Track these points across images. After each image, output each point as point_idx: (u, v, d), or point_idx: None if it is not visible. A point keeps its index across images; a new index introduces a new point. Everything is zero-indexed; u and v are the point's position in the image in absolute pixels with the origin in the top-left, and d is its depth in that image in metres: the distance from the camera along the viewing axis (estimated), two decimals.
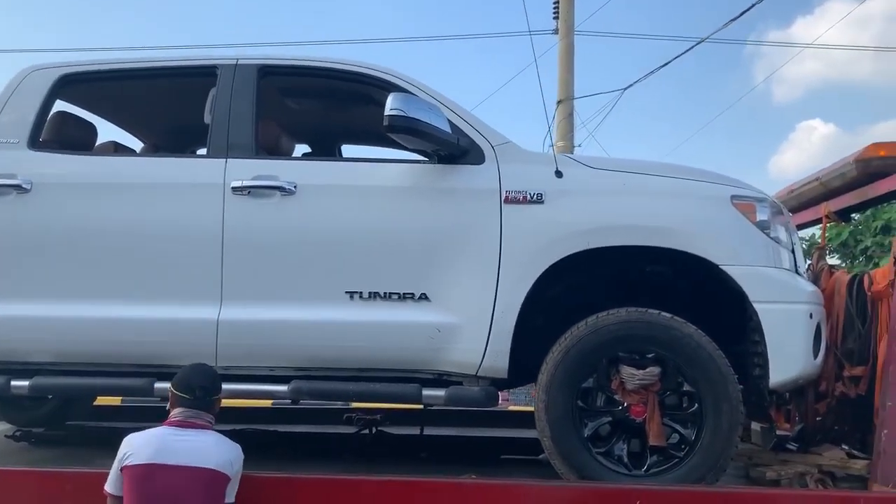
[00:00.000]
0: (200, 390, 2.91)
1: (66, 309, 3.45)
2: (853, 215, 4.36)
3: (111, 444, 3.86)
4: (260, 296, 3.39)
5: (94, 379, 3.49)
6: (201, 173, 3.52)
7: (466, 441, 4.67)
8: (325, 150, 4.71)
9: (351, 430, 4.60)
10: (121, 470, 2.76)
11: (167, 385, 3.42)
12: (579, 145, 13.90)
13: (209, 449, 2.78)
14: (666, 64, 12.82)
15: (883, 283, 3.57)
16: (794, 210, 4.79)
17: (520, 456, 4.27)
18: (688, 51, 12.81)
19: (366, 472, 3.40)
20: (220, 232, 3.40)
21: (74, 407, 5.17)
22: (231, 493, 2.80)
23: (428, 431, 4.68)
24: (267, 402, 6.40)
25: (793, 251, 3.49)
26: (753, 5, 10.80)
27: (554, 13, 13.55)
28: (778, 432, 4.42)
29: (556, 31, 13.45)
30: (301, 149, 4.77)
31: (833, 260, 13.54)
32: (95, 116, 4.41)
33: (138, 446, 2.77)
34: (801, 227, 4.81)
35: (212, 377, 3.01)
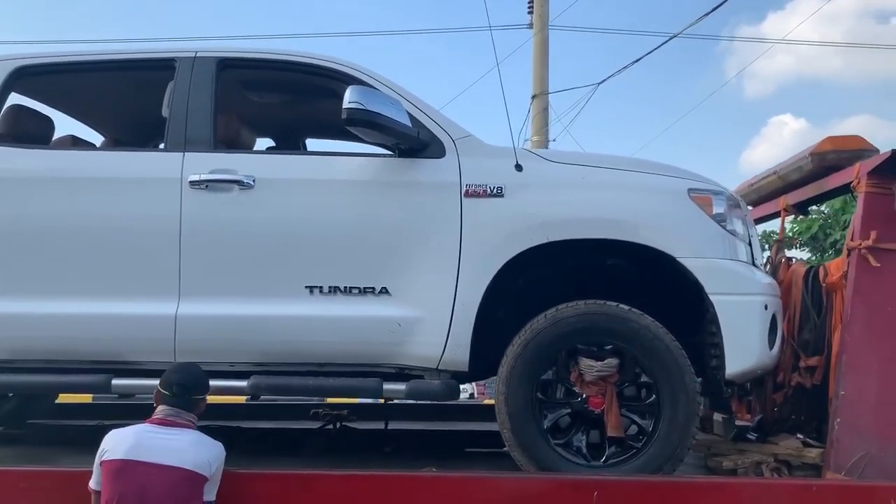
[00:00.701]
0: (178, 388, 2.90)
1: (21, 305, 3.40)
2: (811, 208, 4.41)
3: (74, 442, 3.85)
4: (219, 291, 3.37)
5: (51, 376, 3.45)
6: (158, 167, 3.48)
7: (431, 435, 4.68)
8: (290, 144, 4.68)
9: (316, 425, 4.60)
10: (100, 465, 2.76)
11: (125, 382, 3.43)
12: (554, 139, 14.01)
13: (185, 448, 2.76)
14: (639, 59, 12.95)
15: (836, 274, 3.63)
16: (754, 203, 4.86)
17: (485, 449, 4.29)
18: (661, 46, 12.94)
19: (328, 467, 3.39)
20: (177, 226, 3.37)
21: (36, 405, 5.09)
22: (210, 492, 2.79)
23: (394, 426, 4.69)
24: (241, 399, 6.40)
25: (750, 244, 3.54)
26: (725, 0, 10.93)
27: (529, 8, 13.62)
28: (738, 423, 4.48)
29: (530, 26, 13.51)
30: (266, 143, 4.75)
31: (804, 254, 13.72)
32: (54, 110, 4.36)
33: (116, 442, 2.76)
34: (761, 220, 4.87)
35: (194, 376, 3.00)
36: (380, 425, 4.57)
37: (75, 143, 4.16)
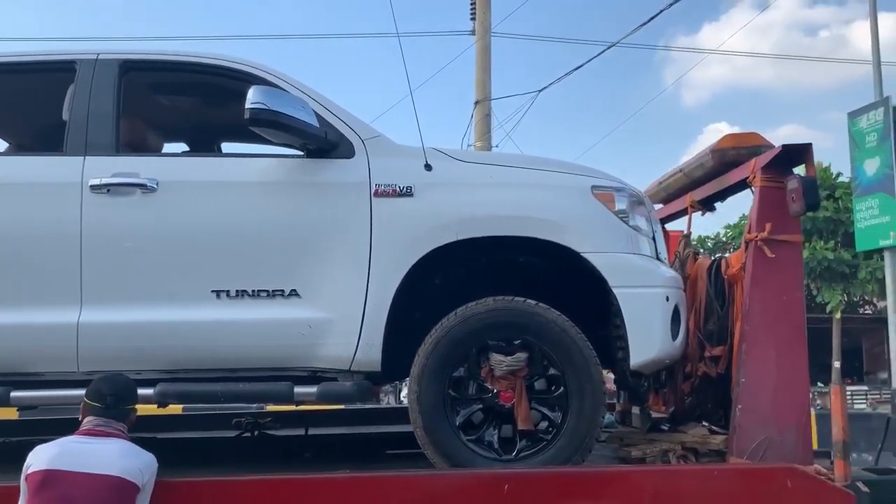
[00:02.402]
0: (112, 398, 2.83)
1: None
2: (716, 204, 4.57)
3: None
4: (122, 297, 3.29)
5: None
6: (58, 172, 3.38)
7: (352, 439, 4.67)
8: (204, 148, 4.59)
9: (233, 433, 4.53)
10: (25, 480, 2.66)
11: (25, 394, 3.32)
12: (497, 145, 14.16)
13: (113, 456, 2.69)
14: (579, 67, 13.29)
15: (736, 266, 3.77)
16: (664, 201, 5.00)
17: (405, 451, 4.30)
18: (600, 54, 13.33)
19: (245, 473, 3.34)
20: (78, 232, 3.28)
21: None
22: (143, 502, 2.72)
23: (318, 432, 4.66)
24: (178, 409, 6.21)
25: (654, 239, 3.65)
26: (662, 11, 11.29)
27: (471, 14, 13.75)
28: (654, 415, 4.61)
29: (473, 32, 13.64)
30: (182, 149, 4.66)
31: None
32: None
33: (40, 455, 2.68)
34: (671, 217, 5.01)
35: (125, 386, 2.93)
36: (297, 431, 4.53)
37: None
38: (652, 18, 11.53)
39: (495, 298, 3.27)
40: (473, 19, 13.67)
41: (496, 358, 3.23)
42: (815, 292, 24.47)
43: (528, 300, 3.27)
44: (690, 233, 4.58)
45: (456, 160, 3.51)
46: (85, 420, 2.83)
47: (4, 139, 4.56)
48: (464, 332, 3.24)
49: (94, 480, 2.61)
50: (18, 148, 4.45)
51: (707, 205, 4.57)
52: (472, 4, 13.69)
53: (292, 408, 5.80)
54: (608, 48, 13.05)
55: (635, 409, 4.77)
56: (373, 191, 3.34)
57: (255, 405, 6.44)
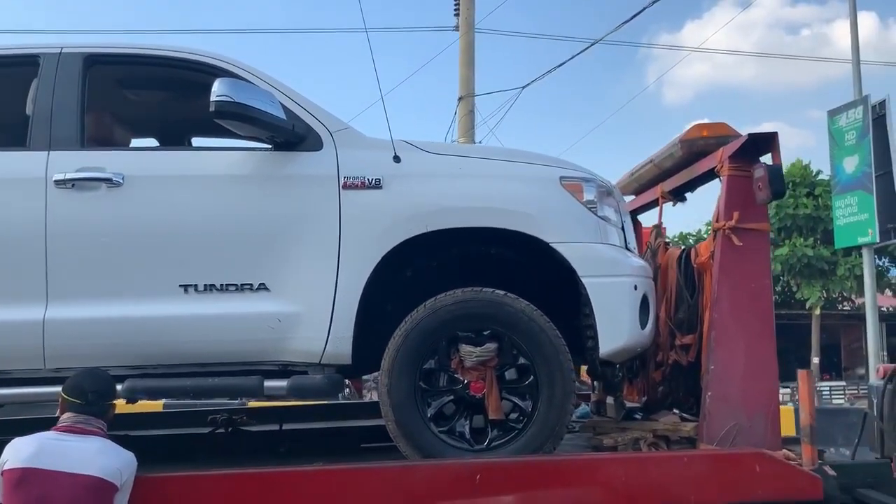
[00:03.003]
0: (93, 395, 2.81)
1: None
2: (686, 194, 4.60)
3: None
4: (88, 293, 3.26)
5: None
6: (21, 167, 3.34)
7: (326, 433, 4.65)
8: (173, 142, 4.55)
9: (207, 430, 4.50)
10: (1, 475, 2.63)
11: None
12: (480, 142, 14.18)
13: (91, 455, 2.66)
14: (562, 64, 13.40)
15: (705, 255, 3.79)
16: (636, 192, 5.03)
17: (381, 444, 4.30)
18: (583, 51, 13.41)
19: (218, 469, 3.32)
20: (42, 227, 3.24)
21: None
22: (122, 502, 2.70)
23: (292, 427, 4.65)
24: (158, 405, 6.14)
25: (623, 229, 3.67)
26: (644, 9, 11.37)
27: (455, 10, 13.76)
28: (629, 405, 4.64)
29: (456, 28, 13.62)
30: (152, 144, 4.62)
31: None
32: None
33: (16, 450, 2.65)
34: (644, 208, 5.04)
35: (106, 381, 2.92)
36: (276, 427, 4.52)
37: None
38: (635, 16, 11.67)
39: (464, 290, 3.28)
40: (457, 15, 13.67)
41: (466, 349, 3.24)
42: (794, 288, 24.79)
43: (497, 291, 3.28)
44: (661, 223, 4.61)
45: (425, 152, 3.51)
46: (63, 416, 2.80)
47: None
48: (433, 324, 3.24)
49: (73, 480, 2.59)
50: None
51: (678, 195, 4.60)
52: (455, 0, 13.68)
53: (272, 404, 5.82)
54: (591, 45, 13.18)
55: (610, 400, 4.80)
56: (341, 183, 3.33)
57: (236, 401, 6.45)
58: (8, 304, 3.22)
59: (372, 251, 3.29)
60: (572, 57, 13.25)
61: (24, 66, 3.56)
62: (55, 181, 3.27)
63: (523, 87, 14.10)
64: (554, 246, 3.34)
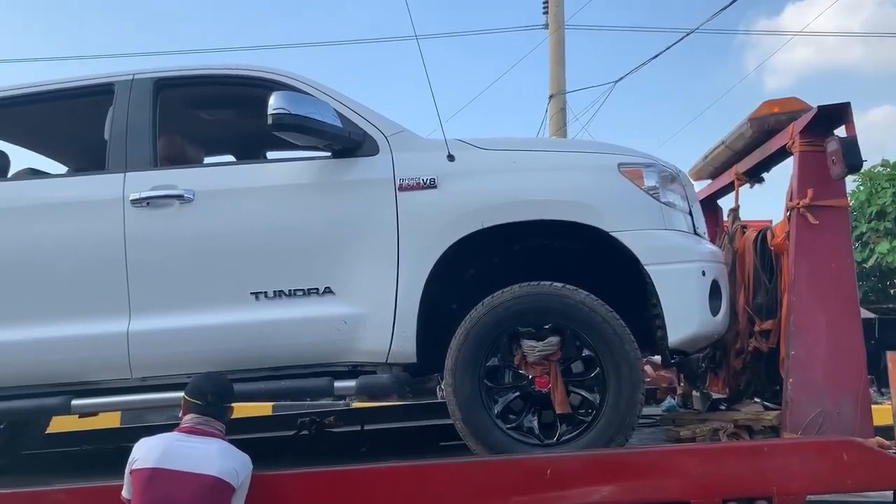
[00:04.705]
0: (213, 396, 3.01)
1: None
2: (763, 175, 4.40)
3: (65, 470, 3.92)
4: (167, 304, 3.43)
5: (11, 402, 3.50)
6: (101, 189, 3.55)
7: (407, 432, 4.72)
8: (245, 156, 4.72)
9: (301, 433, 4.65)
10: (130, 473, 2.84)
11: (85, 402, 3.49)
12: (573, 139, 14.00)
13: (213, 456, 2.83)
14: (656, 56, 12.96)
15: (781, 236, 3.63)
16: (712, 175, 4.86)
17: (460, 442, 4.32)
18: (678, 42, 12.92)
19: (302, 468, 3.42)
20: (122, 245, 3.44)
21: (27, 436, 5.18)
22: (238, 502, 2.86)
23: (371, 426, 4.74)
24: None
25: (690, 213, 3.55)
26: None
27: (544, 8, 13.70)
28: (715, 396, 4.49)
29: (546, 27, 13.57)
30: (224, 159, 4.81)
31: None
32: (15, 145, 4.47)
33: (145, 451, 2.86)
34: (721, 192, 4.86)
35: (224, 384, 3.10)
36: (354, 428, 4.62)
37: (34, 175, 4.25)
38: (731, 3, 11.04)
39: (521, 285, 3.26)
40: (546, 13, 13.57)
41: (528, 344, 3.22)
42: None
43: (555, 283, 3.24)
44: (738, 206, 4.43)
45: (479, 149, 3.51)
46: (186, 417, 2.99)
47: (63, 163, 4.82)
48: (492, 321, 3.24)
49: (195, 479, 2.76)
50: (78, 170, 4.70)
51: (754, 176, 4.42)
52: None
53: (368, 405, 5.97)
54: (686, 35, 12.63)
55: (696, 393, 4.67)
56: (397, 185, 3.38)
57: (341, 402, 6.63)
58: (96, 318, 3.43)
59: (430, 250, 3.32)
60: (668, 48, 12.73)
61: (101, 94, 3.78)
62: (131, 200, 3.46)
63: (616, 82, 13.79)
64: (615, 235, 3.27)
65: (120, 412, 6.07)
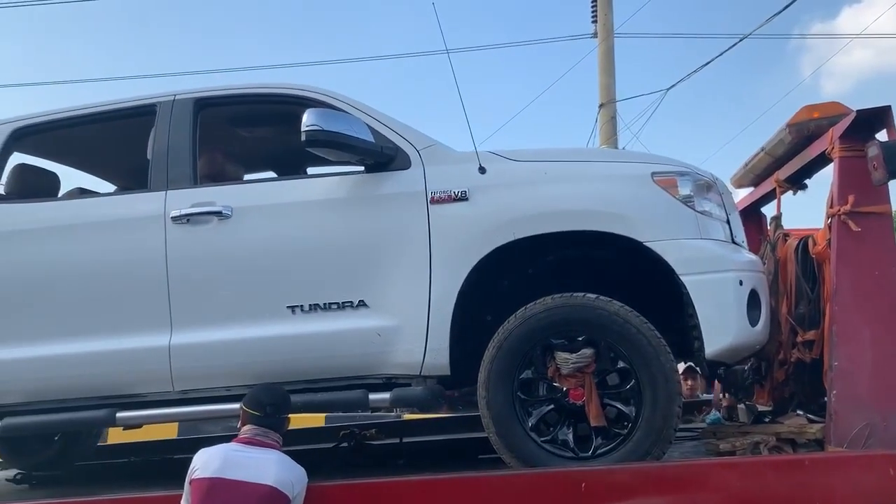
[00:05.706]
0: (271, 407, 3.06)
1: (32, 350, 3.60)
2: (806, 182, 4.30)
3: (117, 482, 4.02)
4: (207, 318, 3.50)
5: (60, 415, 3.62)
6: (144, 207, 3.66)
7: (444, 445, 4.72)
8: (285, 172, 4.82)
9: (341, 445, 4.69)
10: (189, 483, 2.91)
11: (129, 414, 3.59)
12: (623, 148, 13.86)
13: (270, 467, 2.88)
14: (708, 63, 12.61)
15: (822, 243, 3.54)
16: (753, 183, 4.77)
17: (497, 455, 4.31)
18: (731, 48, 12.57)
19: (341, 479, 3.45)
20: (163, 261, 3.53)
21: (79, 447, 5.33)
22: None
23: (409, 439, 4.76)
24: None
25: (728, 222, 3.50)
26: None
27: (592, 17, 13.61)
28: (760, 408, 4.39)
29: (594, 35, 13.48)
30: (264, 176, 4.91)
31: None
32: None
33: (205, 460, 2.92)
34: (764, 199, 4.77)
35: (282, 396, 3.16)
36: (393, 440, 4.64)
37: (83, 194, 4.40)
38: (785, 7, 10.73)
39: (553, 296, 3.24)
40: (595, 22, 13.48)
41: (561, 356, 3.20)
42: None
43: (588, 294, 3.22)
44: (780, 214, 4.34)
45: (510, 161, 3.51)
46: (244, 428, 3.05)
47: (111, 182, 4.98)
48: (524, 333, 3.23)
49: (251, 488, 2.81)
50: (126, 189, 4.85)
51: (796, 183, 4.32)
52: (592, 7, 13.51)
53: (412, 417, 5.98)
54: (739, 41, 12.24)
55: (740, 405, 4.57)
56: (429, 198, 3.40)
57: (392, 414, 6.66)
58: (138, 332, 3.53)
59: (462, 262, 3.33)
60: (720, 54, 12.41)
61: (144, 115, 3.91)
62: (172, 217, 3.56)
63: (667, 90, 13.45)
64: (648, 245, 3.23)
65: (177, 423, 6.19)
